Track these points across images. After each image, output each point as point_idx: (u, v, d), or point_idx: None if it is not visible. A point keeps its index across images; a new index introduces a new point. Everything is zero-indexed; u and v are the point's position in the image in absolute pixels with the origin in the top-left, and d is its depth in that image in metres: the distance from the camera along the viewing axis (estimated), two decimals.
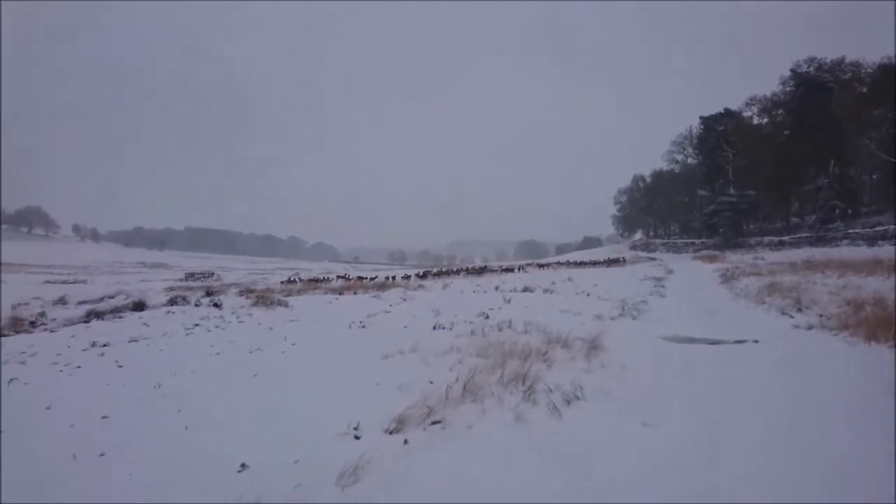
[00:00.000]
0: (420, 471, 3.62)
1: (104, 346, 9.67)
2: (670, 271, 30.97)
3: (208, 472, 3.72)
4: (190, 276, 51.26)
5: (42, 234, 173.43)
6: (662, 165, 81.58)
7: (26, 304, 16.08)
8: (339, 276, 39.00)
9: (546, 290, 19.84)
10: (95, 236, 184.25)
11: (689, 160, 76.11)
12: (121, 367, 7.92)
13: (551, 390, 5.22)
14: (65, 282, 42.59)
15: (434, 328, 9.95)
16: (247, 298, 17.80)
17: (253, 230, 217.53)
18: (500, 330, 9.75)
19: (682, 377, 6.42)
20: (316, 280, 35.54)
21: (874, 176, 54.97)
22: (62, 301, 17.43)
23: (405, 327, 10.28)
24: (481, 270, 43.25)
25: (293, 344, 8.41)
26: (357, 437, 4.17)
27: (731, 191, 57.86)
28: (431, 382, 5.33)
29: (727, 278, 22.37)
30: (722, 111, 64.22)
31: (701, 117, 66.86)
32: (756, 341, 9.18)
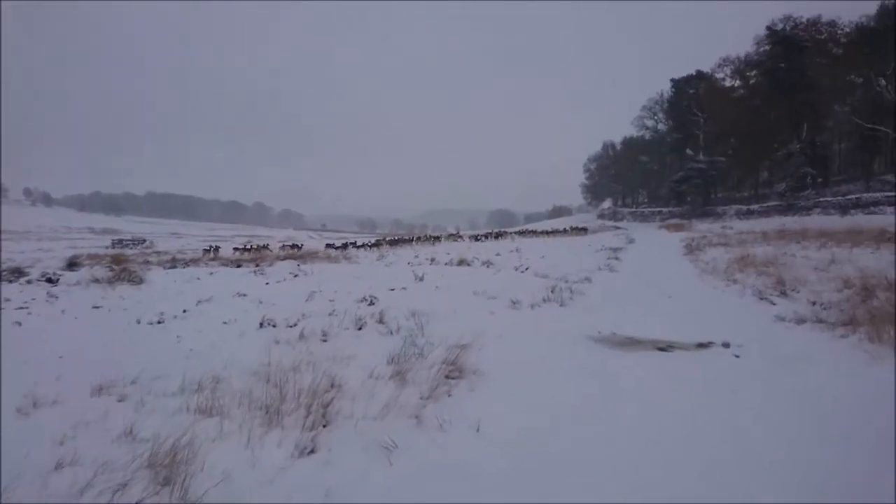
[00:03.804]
0: None
1: None
2: (631, 241, 28.22)
3: None
4: (118, 242, 46.84)
5: None
6: (633, 132, 78.43)
7: None
8: (283, 246, 35.10)
9: (485, 263, 16.81)
10: (48, 200, 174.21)
11: (660, 126, 73.13)
12: None
13: None
14: None
15: (261, 325, 6.72)
16: (110, 271, 14.31)
17: (217, 196, 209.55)
18: (360, 328, 6.60)
19: (592, 440, 3.38)
20: (247, 249, 31.81)
21: (842, 145, 53.07)
22: None
23: (225, 323, 7.04)
24: (436, 239, 40.17)
25: None
26: None
27: (701, 157, 55.32)
28: None
29: (692, 249, 19.61)
30: (693, 73, 61.25)
31: (672, 80, 63.80)
32: (727, 345, 6.21)
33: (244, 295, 9.63)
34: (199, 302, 8.67)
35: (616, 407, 4.03)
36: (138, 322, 7.01)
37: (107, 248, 43.77)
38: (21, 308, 8.52)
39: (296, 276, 13.05)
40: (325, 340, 5.95)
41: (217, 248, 32.20)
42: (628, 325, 7.17)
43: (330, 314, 7.39)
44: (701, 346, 6.30)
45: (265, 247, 33.74)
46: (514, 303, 8.37)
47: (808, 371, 5.00)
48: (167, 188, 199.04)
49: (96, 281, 12.38)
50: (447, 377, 4.24)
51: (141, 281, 12.72)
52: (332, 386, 3.86)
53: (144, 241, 50.31)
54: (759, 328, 6.92)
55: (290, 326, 6.79)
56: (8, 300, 9.22)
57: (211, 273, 13.90)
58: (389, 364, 4.55)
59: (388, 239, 41.32)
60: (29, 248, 45.30)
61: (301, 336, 5.91)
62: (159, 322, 7.09)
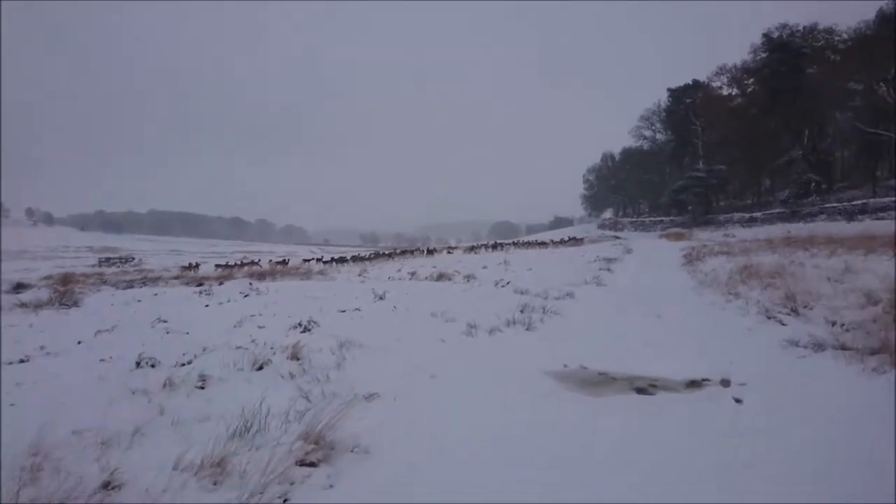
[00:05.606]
0: None
1: None
2: (628, 251, 26.82)
3: None
4: (104, 261, 45.49)
5: None
6: (631, 142, 77.28)
7: None
8: (271, 261, 33.64)
9: (467, 277, 15.46)
10: (49, 220, 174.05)
11: (658, 136, 72.09)
12: None
13: None
14: None
15: (138, 365, 5.32)
16: (54, 293, 13.13)
17: (221, 213, 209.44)
18: (260, 368, 5.23)
19: None
20: (228, 265, 30.53)
21: (845, 151, 51.66)
22: None
23: (102, 361, 5.64)
24: (430, 252, 38.80)
25: None
26: None
27: (700, 166, 53.97)
28: None
29: (691, 259, 18.20)
30: (690, 82, 60.19)
31: (668, 89, 62.73)
32: (726, 383, 4.83)
33: (165, 321, 8.23)
34: (97, 332, 7.29)
35: None
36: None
37: (92, 266, 42.54)
38: None
39: (246, 295, 11.68)
40: (201, 387, 4.57)
41: (197, 266, 30.98)
42: (604, 355, 5.81)
43: (238, 347, 6.00)
44: (693, 384, 4.92)
45: (256, 262, 32.44)
46: (471, 327, 6.98)
47: (838, 424, 3.62)
48: (169, 206, 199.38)
49: (23, 305, 11.06)
50: (301, 463, 2.85)
51: (74, 304, 11.41)
52: (107, 486, 2.48)
53: (133, 258, 48.97)
54: (766, 357, 5.54)
55: (182, 365, 5.40)
56: None
57: (155, 294, 12.53)
58: (231, 439, 3.14)
59: (379, 252, 40.02)
60: (14, 267, 44.11)
61: (167, 384, 4.51)
62: (21, 361, 5.70)
